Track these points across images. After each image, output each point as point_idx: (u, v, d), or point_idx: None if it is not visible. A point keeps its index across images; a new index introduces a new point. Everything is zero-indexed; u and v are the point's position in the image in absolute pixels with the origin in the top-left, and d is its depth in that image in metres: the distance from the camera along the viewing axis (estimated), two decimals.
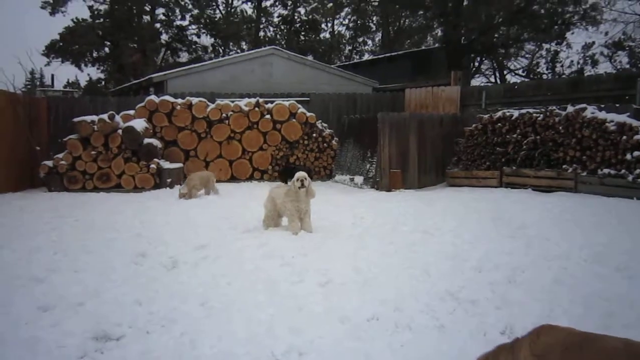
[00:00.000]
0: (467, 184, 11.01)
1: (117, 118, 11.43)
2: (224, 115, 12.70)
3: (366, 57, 34.56)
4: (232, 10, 33.44)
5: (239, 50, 31.58)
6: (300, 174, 6.42)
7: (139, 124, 11.41)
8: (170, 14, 30.25)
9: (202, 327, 3.49)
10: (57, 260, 5.23)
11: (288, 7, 33.29)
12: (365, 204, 8.81)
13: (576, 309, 3.70)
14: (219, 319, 3.63)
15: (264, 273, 4.67)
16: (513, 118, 10.60)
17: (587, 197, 8.66)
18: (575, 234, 5.99)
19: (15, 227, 6.99)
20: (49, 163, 11.02)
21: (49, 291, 4.20)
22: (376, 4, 32.28)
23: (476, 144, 11.20)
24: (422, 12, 25.32)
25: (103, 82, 30.10)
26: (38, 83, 32.46)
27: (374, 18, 35.20)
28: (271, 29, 34.36)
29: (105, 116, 11.16)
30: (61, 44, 26.75)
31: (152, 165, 11.10)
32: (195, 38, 31.59)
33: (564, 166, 9.57)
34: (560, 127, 9.70)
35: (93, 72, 30.19)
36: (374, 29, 36.05)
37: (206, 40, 32.31)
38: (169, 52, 31.37)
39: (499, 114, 10.95)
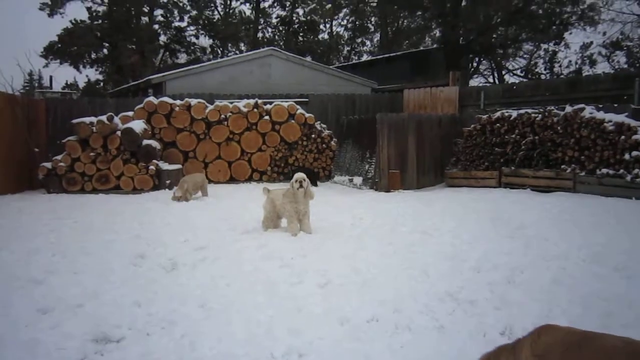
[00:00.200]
0: (465, 184, 11.01)
1: (116, 119, 11.43)
2: (222, 116, 12.69)
3: (365, 57, 34.53)
4: (231, 11, 33.43)
5: (237, 52, 31.56)
6: (299, 175, 6.43)
7: (138, 126, 11.40)
8: (168, 15, 30.21)
9: (201, 329, 3.49)
10: (56, 261, 5.22)
11: (286, 8, 33.29)
12: (364, 205, 8.82)
13: (575, 309, 3.71)
14: (219, 321, 3.63)
15: (263, 274, 4.67)
16: (512, 118, 10.61)
17: (586, 197, 8.68)
18: (573, 234, 6.01)
19: (13, 228, 6.99)
20: (48, 165, 11.00)
21: (48, 293, 4.20)
22: (374, 4, 32.29)
23: (475, 145, 11.21)
24: (420, 13, 25.29)
25: (101, 84, 30.03)
26: (36, 84, 32.45)
27: (373, 19, 35.21)
28: (269, 30, 34.41)
29: (104, 118, 11.16)
30: (59, 45, 26.69)
31: (151, 167, 11.08)
32: (193, 39, 31.59)
33: (562, 166, 9.58)
34: (559, 127, 9.72)
35: (91, 74, 30.09)
36: (373, 29, 36.07)
37: (205, 41, 32.35)
38: (167, 53, 31.33)
39: (498, 114, 10.97)
